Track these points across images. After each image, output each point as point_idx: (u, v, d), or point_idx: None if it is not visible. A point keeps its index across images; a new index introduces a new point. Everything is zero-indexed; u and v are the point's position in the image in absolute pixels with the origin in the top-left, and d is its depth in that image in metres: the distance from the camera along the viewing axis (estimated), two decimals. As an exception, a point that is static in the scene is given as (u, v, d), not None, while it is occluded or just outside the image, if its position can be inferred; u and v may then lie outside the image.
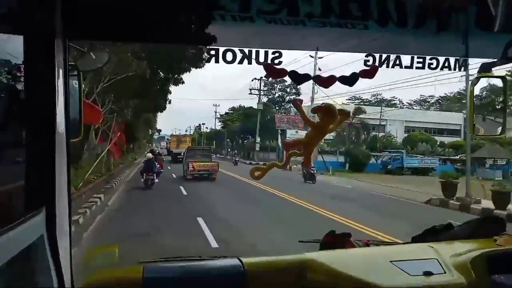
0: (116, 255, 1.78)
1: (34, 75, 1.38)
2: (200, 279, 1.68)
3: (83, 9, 1.42)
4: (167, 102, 26.74)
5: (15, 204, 1.38)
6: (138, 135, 37.84)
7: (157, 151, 31.06)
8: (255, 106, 64.52)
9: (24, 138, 1.42)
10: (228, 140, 73.14)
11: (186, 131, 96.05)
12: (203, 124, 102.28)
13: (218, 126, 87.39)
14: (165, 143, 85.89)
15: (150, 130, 64.16)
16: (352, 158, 40.45)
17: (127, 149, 34.69)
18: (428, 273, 1.65)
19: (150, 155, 21.24)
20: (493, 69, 2.05)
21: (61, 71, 1.46)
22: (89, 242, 8.87)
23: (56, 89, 1.42)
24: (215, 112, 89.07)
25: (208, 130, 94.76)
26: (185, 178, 24.67)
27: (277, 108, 62.55)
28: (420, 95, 73.16)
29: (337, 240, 2.16)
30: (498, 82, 2.15)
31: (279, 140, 46.30)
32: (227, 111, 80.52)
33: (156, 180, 20.10)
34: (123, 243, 7.97)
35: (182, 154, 32.18)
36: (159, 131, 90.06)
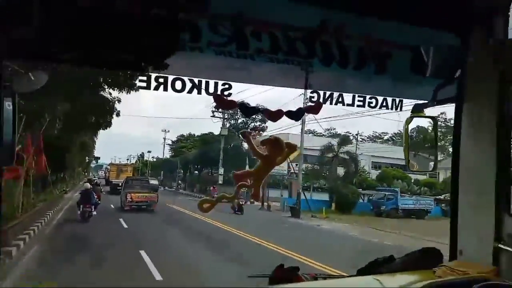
0: None
1: None
2: None
3: (18, 29, 1.35)
4: (113, 114, 18.19)
5: None
6: (70, 161, 29.62)
7: (95, 181, 28.38)
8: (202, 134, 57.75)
9: None
10: (181, 170, 64.43)
11: (128, 160, 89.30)
12: (149, 152, 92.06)
13: (168, 154, 77.88)
14: (103, 172, 78.29)
15: (87, 157, 56.34)
16: (339, 197, 33.50)
17: (54, 179, 25.68)
18: None
19: (88, 185, 19.71)
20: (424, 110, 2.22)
21: None
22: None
23: None
24: (164, 138, 79.29)
25: (154, 160, 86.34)
26: (123, 209, 23.44)
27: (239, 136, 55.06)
28: (373, 131, 69.25)
29: (285, 274, 2.14)
30: (429, 122, 2.33)
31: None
32: (179, 137, 70.71)
33: (94, 213, 18.52)
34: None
35: (118, 184, 31.51)
36: (97, 158, 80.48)
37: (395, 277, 2.03)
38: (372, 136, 68.63)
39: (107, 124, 19.19)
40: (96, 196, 19.51)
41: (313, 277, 2.28)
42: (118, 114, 18.04)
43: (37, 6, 1.33)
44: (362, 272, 2.20)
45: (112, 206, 25.60)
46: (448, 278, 1.86)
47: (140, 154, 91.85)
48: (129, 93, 13.17)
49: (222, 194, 1.91)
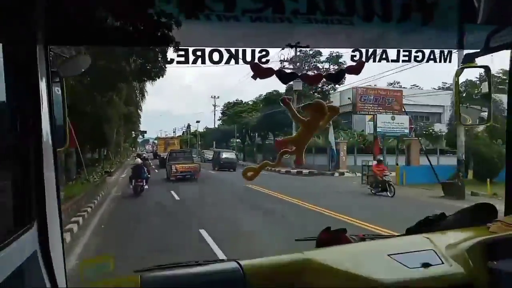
0: (112, 265, 1.73)
1: (16, 84, 1.33)
2: (199, 285, 1.65)
3: (64, 15, 1.38)
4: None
5: (4, 220, 1.33)
6: (111, 134, 26.20)
7: (144, 156, 27.17)
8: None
9: (8, 150, 1.37)
10: (237, 140, 57.81)
11: (174, 132, 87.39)
12: (198, 122, 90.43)
13: (219, 123, 70.56)
14: (150, 146, 78.00)
15: (133, 132, 55.18)
16: (478, 161, 24.14)
17: (95, 158, 24.08)
18: (426, 265, 1.66)
19: (138, 160, 19.97)
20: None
21: (44, 79, 1.42)
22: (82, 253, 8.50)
23: (40, 98, 1.38)
24: (214, 105, 73.20)
25: (204, 130, 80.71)
26: (169, 179, 24.89)
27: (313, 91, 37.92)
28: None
29: (332, 236, 2.16)
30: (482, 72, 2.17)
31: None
32: (235, 101, 60.94)
33: (146, 187, 18.86)
34: (118, 253, 7.64)
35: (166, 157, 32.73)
36: (144, 132, 78.01)
37: (447, 234, 1.98)
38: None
39: (160, 72, 13.41)
40: (146, 171, 19.62)
41: (361, 238, 2.29)
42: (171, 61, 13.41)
43: None
44: (411, 231, 2.17)
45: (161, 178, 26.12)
46: (504, 234, 1.80)
47: (187, 126, 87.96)
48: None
49: (266, 161, 1.92)
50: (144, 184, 18.51)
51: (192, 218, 12.45)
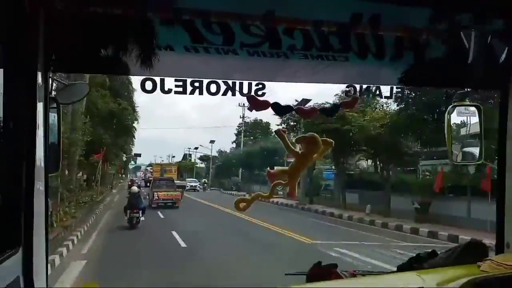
0: None
1: (14, 108, 1.35)
2: None
3: (65, 43, 1.41)
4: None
5: None
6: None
7: (137, 183, 26.99)
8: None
9: (1, 172, 1.36)
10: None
11: (168, 159, 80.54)
12: (196, 148, 74.15)
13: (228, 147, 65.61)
14: (142, 173, 71.16)
15: (123, 155, 45.00)
16: None
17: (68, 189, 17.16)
18: None
19: (135, 188, 17.78)
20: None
21: (41, 104, 1.43)
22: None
23: (37, 123, 1.38)
24: (242, 117, 57.66)
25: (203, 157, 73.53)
26: (151, 206, 24.14)
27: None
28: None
29: (323, 271, 2.12)
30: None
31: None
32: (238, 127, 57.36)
33: (142, 218, 16.66)
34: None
35: (183, 186, 33.25)
36: (138, 156, 65.78)
37: (437, 272, 1.96)
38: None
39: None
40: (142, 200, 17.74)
41: (352, 274, 2.25)
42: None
43: (76, 23, 1.38)
44: (403, 268, 2.15)
45: (161, 215, 21.52)
46: (495, 273, 1.78)
47: (188, 153, 78.65)
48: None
49: (258, 193, 1.91)
50: (141, 215, 16.49)
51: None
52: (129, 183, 29.91)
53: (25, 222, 1.38)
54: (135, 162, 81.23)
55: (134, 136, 41.81)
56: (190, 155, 78.99)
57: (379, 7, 1.67)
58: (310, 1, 1.58)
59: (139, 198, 16.80)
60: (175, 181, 32.17)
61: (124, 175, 71.66)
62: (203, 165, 76.14)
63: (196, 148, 72.52)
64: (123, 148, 41.28)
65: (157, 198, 25.21)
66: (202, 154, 72.47)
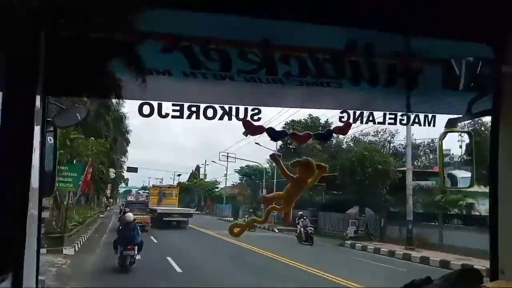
0: None
1: (11, 131, 1.35)
2: None
3: (65, 66, 1.43)
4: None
5: None
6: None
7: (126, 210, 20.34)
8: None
9: None
10: None
11: (160, 181, 64.96)
12: (179, 175, 65.69)
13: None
14: (133, 197, 57.42)
15: (112, 172, 35.20)
16: None
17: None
18: None
19: (130, 215, 13.18)
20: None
21: (38, 128, 1.44)
22: None
23: (33, 146, 1.38)
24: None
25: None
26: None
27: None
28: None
29: None
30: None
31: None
32: None
33: (138, 257, 12.11)
34: None
35: (168, 214, 28.05)
36: (133, 171, 57.22)
37: None
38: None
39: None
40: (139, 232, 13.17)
41: None
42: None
43: (76, 47, 1.41)
44: None
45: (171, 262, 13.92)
46: None
47: (195, 170, 65.85)
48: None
49: (253, 218, 1.91)
50: (136, 253, 12.04)
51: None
52: (122, 208, 25.41)
53: (17, 247, 1.36)
54: (126, 185, 72.84)
55: (129, 141, 38.59)
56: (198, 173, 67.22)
57: (372, 35, 1.72)
58: (306, 29, 1.62)
59: (135, 230, 12.38)
60: (176, 208, 31.09)
61: (111, 200, 60.35)
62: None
63: (179, 175, 67.71)
64: (113, 162, 35.22)
65: None
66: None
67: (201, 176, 64.65)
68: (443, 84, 1.92)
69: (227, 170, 51.71)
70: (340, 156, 29.08)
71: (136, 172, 49.01)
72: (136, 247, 12.04)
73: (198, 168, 67.95)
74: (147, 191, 56.01)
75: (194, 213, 34.88)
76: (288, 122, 34.97)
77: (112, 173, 36.69)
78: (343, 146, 34.90)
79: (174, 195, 35.03)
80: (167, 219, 27.74)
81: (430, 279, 2.17)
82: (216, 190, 57.05)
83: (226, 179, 53.00)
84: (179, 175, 69.50)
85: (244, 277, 12.12)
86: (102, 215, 36.34)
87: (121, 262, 11.91)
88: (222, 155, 44.59)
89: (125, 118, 30.45)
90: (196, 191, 60.08)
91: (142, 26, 1.39)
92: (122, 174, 55.02)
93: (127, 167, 48.80)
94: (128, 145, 39.49)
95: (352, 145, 33.66)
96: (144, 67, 1.48)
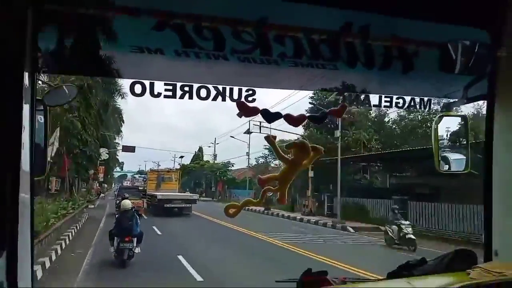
0: None
1: None
2: None
3: (53, 43, 1.40)
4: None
5: None
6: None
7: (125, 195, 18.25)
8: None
9: None
10: None
11: (155, 165, 60.89)
12: (181, 157, 59.72)
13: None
14: (129, 182, 54.56)
15: (104, 152, 33.37)
16: None
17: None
18: None
19: (127, 203, 11.40)
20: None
21: (27, 106, 1.41)
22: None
23: (22, 125, 1.36)
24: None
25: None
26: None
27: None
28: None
29: (314, 278, 2.12)
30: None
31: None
32: None
33: (137, 250, 10.75)
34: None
35: (169, 200, 25.70)
36: (122, 164, 57.03)
37: (427, 279, 1.97)
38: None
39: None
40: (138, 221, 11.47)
41: (342, 281, 2.25)
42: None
43: (64, 23, 1.38)
44: (393, 275, 2.16)
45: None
46: (484, 280, 1.80)
47: (198, 151, 60.16)
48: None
49: (248, 199, 1.91)
50: (135, 245, 10.61)
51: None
52: (117, 194, 24.74)
53: (9, 227, 1.35)
54: (121, 169, 68.29)
55: (122, 121, 35.11)
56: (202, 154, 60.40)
57: (368, 17, 1.70)
58: (301, 10, 1.59)
59: (134, 219, 10.84)
60: (178, 193, 29.50)
61: (105, 185, 55.11)
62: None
63: (182, 157, 61.30)
64: (105, 141, 32.07)
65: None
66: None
67: (206, 158, 57.98)
68: (439, 68, 1.91)
69: (249, 147, 41.49)
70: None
71: (134, 151, 41.02)
72: (135, 239, 10.56)
73: (201, 149, 61.46)
74: (143, 175, 53.58)
75: (201, 199, 33.39)
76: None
77: (104, 153, 33.63)
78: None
79: (174, 179, 32.70)
80: (168, 205, 25.50)
81: (425, 260, 2.20)
82: (229, 172, 50.13)
83: (248, 158, 42.97)
84: (181, 157, 62.61)
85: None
86: (92, 206, 29.54)
87: (118, 256, 10.48)
88: (254, 124, 31.14)
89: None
90: (204, 174, 53.28)
91: (133, 2, 1.36)
92: (117, 156, 51.00)
93: (123, 146, 41.77)
94: (122, 125, 36.85)
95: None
96: (135, 44, 1.45)
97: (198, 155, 60.74)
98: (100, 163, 36.57)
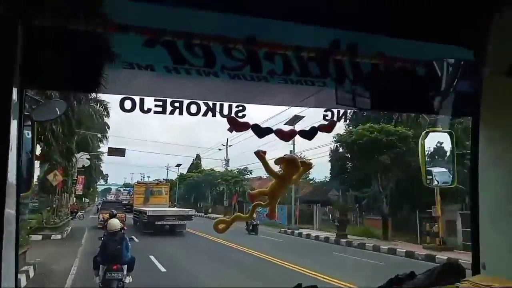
0: None
1: None
2: None
3: (43, 59, 1.39)
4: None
5: None
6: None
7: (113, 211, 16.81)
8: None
9: None
10: None
11: (142, 178, 56.95)
12: (179, 165, 53.40)
13: None
14: (113, 196, 50.73)
15: (84, 157, 29.14)
16: None
17: None
18: None
19: (115, 222, 9.06)
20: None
21: (15, 122, 1.39)
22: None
23: (10, 141, 1.34)
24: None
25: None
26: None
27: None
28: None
29: None
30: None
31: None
32: None
33: (128, 280, 8.65)
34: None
35: (160, 216, 23.03)
36: (106, 177, 51.92)
37: None
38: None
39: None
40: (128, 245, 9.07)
41: None
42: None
43: (54, 39, 1.37)
44: None
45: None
46: None
47: (196, 159, 53.65)
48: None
49: (237, 214, 1.90)
50: (125, 274, 8.53)
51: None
52: (100, 208, 22.96)
53: None
54: (106, 182, 62.59)
55: (108, 126, 29.86)
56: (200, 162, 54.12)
57: (356, 35, 1.73)
58: (290, 28, 1.62)
59: (124, 242, 8.64)
60: (171, 209, 27.10)
61: (86, 200, 47.16)
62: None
63: (179, 165, 54.18)
64: (86, 145, 27.46)
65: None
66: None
67: (211, 165, 50.00)
68: (425, 85, 1.95)
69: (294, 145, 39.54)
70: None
71: (123, 155, 32.99)
72: (125, 267, 8.50)
73: (198, 157, 54.51)
74: (128, 189, 50.15)
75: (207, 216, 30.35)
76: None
77: (85, 158, 28.11)
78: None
79: (164, 192, 30.24)
80: (159, 223, 22.83)
81: (413, 273, 2.21)
82: (245, 182, 41.15)
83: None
84: (178, 165, 54.88)
85: None
86: (59, 236, 19.52)
87: (104, 286, 8.42)
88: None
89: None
90: (208, 185, 44.43)
91: (124, 19, 1.36)
92: (101, 168, 44.37)
93: (109, 149, 32.97)
94: (107, 131, 32.33)
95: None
96: (125, 61, 1.45)
97: (197, 164, 53.96)
98: (79, 171, 30.61)
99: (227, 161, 43.75)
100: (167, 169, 57.20)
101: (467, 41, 1.89)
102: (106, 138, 33.65)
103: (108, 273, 8.31)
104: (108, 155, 34.19)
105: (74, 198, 35.56)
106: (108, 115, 28.04)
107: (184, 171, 54.61)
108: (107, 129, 31.86)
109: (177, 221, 23.65)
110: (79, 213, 32.44)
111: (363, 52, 1.75)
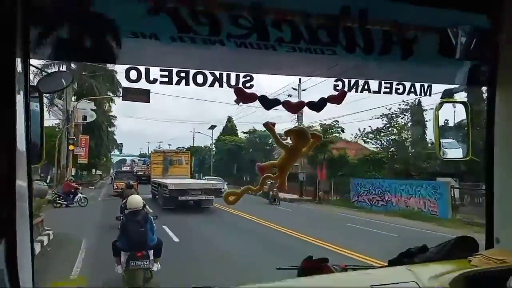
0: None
1: None
2: None
3: (45, 28, 1.38)
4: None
5: None
6: None
7: (129, 182, 15.48)
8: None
9: None
10: None
11: (158, 146, 52.04)
12: (213, 127, 46.40)
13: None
14: (128, 167, 45.21)
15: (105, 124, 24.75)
16: None
17: None
18: None
19: (136, 199, 7.49)
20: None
21: (21, 93, 1.39)
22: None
23: (16, 113, 1.35)
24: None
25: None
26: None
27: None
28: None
29: (315, 265, 2.12)
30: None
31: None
32: None
33: (156, 268, 7.18)
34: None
35: (183, 191, 19.94)
36: (120, 146, 46.89)
37: (429, 267, 1.98)
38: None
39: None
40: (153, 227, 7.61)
41: (343, 268, 2.26)
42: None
43: (57, 8, 1.35)
44: (394, 262, 2.16)
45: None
46: (485, 267, 1.81)
47: (227, 121, 47.03)
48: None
49: (248, 186, 1.90)
50: (152, 261, 7.06)
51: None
52: (113, 178, 23.19)
53: (7, 214, 1.35)
54: (120, 152, 56.63)
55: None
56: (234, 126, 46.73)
57: (367, 1, 1.67)
58: None
59: (148, 223, 7.17)
60: (196, 181, 24.40)
61: (99, 172, 42.11)
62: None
63: (213, 127, 46.08)
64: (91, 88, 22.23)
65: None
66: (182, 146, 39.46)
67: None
68: (439, 53, 1.88)
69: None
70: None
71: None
72: (151, 252, 7.05)
73: (230, 119, 46.46)
74: (143, 159, 46.12)
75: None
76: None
77: (89, 109, 22.17)
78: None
79: (185, 162, 26.75)
80: (183, 198, 19.85)
81: (426, 247, 2.20)
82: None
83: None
84: (212, 127, 45.59)
85: None
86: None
87: (129, 280, 6.98)
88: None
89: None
90: (264, 149, 35.08)
91: None
92: (114, 136, 39.82)
93: (124, 89, 20.89)
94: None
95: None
96: (129, 30, 1.43)
97: (232, 126, 45.64)
98: (82, 128, 24.75)
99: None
100: (193, 132, 49.79)
101: (483, 7, 1.81)
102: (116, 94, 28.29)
103: (132, 261, 6.89)
104: (122, 99, 27.93)
105: (73, 170, 27.48)
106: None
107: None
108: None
109: (204, 196, 20.54)
110: (79, 194, 20.80)
111: (374, 19, 1.69)
